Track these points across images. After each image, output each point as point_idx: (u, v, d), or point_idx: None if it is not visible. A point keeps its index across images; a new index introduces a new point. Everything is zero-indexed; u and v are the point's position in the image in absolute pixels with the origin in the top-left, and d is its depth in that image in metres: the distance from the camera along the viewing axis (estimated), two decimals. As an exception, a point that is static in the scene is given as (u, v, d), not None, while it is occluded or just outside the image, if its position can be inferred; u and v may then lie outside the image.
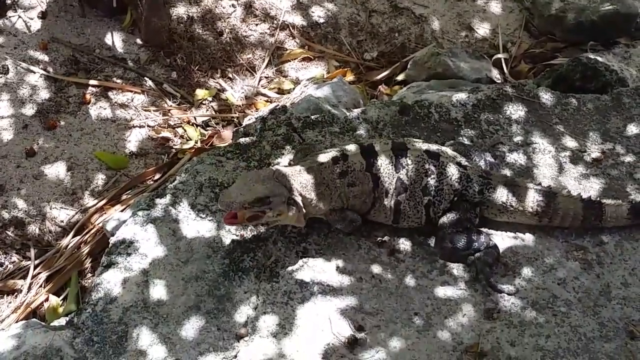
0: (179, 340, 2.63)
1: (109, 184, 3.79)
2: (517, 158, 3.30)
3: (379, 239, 2.96)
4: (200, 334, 2.65)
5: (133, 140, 4.01)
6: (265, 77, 4.49)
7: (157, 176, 3.79)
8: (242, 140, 3.36)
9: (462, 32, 4.66)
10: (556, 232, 3.00)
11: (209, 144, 3.98)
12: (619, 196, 3.10)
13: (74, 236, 3.54)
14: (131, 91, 4.23)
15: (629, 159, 3.32)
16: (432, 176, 2.87)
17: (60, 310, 3.25)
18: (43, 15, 4.45)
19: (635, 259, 2.93)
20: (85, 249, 3.44)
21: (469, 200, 2.90)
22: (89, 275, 3.39)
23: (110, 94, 4.21)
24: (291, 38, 4.63)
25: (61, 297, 3.34)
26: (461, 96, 3.57)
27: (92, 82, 4.19)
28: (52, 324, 2.82)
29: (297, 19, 4.68)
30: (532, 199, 2.91)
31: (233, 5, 4.70)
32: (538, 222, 2.96)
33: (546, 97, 3.59)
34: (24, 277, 3.43)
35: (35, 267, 3.45)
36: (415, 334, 2.68)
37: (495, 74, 4.27)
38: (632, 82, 3.80)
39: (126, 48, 4.45)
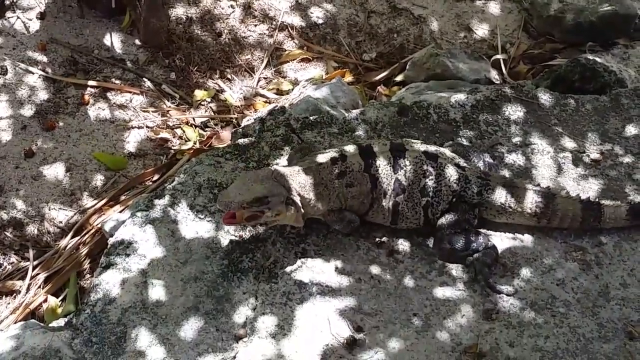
0: (177, 341, 2.63)
1: (107, 185, 3.78)
2: (515, 159, 3.30)
3: (377, 239, 2.96)
4: (199, 335, 2.65)
5: (132, 141, 4.01)
6: (264, 78, 4.48)
7: (155, 177, 3.79)
8: (240, 141, 3.36)
9: (460, 32, 4.66)
10: (555, 233, 3.00)
11: (208, 145, 3.98)
12: (617, 197, 3.10)
13: (72, 237, 3.54)
14: (130, 92, 4.23)
15: (627, 159, 3.32)
16: (431, 177, 2.87)
17: (59, 311, 3.25)
18: (42, 16, 4.44)
19: (634, 260, 2.93)
20: (84, 250, 3.44)
21: (468, 202, 2.90)
22: (88, 276, 3.39)
23: (109, 94, 4.20)
24: (290, 39, 4.63)
25: (60, 298, 3.33)
26: (460, 97, 3.57)
27: (90, 82, 4.19)
28: (50, 325, 2.82)
29: (296, 20, 4.67)
30: (531, 200, 2.91)
31: (232, 6, 4.70)
32: (537, 223, 2.96)
33: (545, 97, 3.59)
34: (23, 278, 3.43)
35: (34, 268, 3.45)
36: (414, 335, 2.68)
37: (494, 74, 4.27)
38: (631, 83, 3.81)
39: (125, 49, 4.44)
